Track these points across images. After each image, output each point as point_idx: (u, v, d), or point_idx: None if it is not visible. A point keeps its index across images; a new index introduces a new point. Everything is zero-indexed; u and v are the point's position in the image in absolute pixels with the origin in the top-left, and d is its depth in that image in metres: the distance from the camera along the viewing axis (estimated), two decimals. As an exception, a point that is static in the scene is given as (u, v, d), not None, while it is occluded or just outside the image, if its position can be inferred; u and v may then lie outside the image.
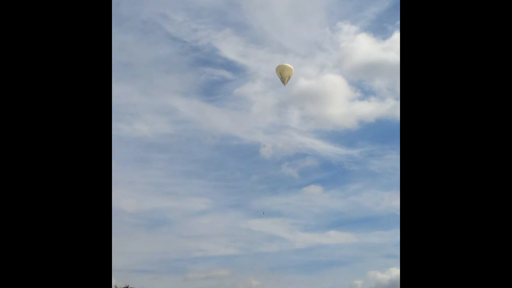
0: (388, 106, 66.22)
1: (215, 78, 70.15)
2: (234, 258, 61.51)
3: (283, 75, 35.75)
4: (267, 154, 66.00)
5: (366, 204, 65.03)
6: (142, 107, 70.33)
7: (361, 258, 61.89)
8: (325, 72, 68.60)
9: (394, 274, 51.49)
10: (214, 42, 69.35)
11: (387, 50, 66.02)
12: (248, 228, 63.10)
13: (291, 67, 35.87)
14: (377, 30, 76.86)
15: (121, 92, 64.18)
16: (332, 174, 68.12)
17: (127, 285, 42.49)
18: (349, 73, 67.69)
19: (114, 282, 40.79)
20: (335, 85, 66.15)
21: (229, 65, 70.58)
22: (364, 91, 68.69)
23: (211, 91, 72.93)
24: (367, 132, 69.18)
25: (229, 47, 69.74)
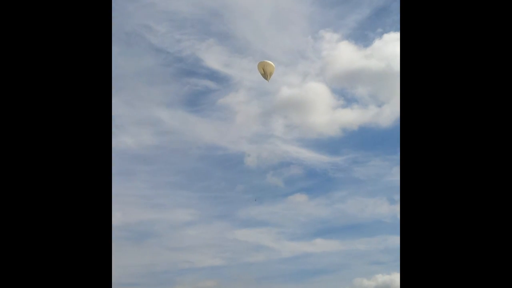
0: (370, 113, 67.05)
1: (199, 89, 70.23)
2: (221, 269, 61.28)
3: (265, 71, 35.74)
4: (252, 163, 66.11)
5: (351, 211, 65.55)
6: (126, 118, 70.14)
7: (347, 265, 62.34)
8: (308, 80, 69.13)
9: (380, 281, 52.08)
10: (197, 52, 69.51)
11: (369, 58, 66.89)
12: (235, 238, 63.06)
13: (273, 64, 36.07)
14: (359, 38, 77.91)
15: (105, 104, 63.49)
16: (317, 182, 68.55)
17: (114, 299, 41.92)
18: (332, 81, 68.37)
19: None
20: (318, 93, 66.72)
21: (213, 75, 70.83)
22: (346, 98, 69.42)
23: (195, 102, 72.92)
24: (350, 139, 69.91)
25: (213, 57, 69.92)
